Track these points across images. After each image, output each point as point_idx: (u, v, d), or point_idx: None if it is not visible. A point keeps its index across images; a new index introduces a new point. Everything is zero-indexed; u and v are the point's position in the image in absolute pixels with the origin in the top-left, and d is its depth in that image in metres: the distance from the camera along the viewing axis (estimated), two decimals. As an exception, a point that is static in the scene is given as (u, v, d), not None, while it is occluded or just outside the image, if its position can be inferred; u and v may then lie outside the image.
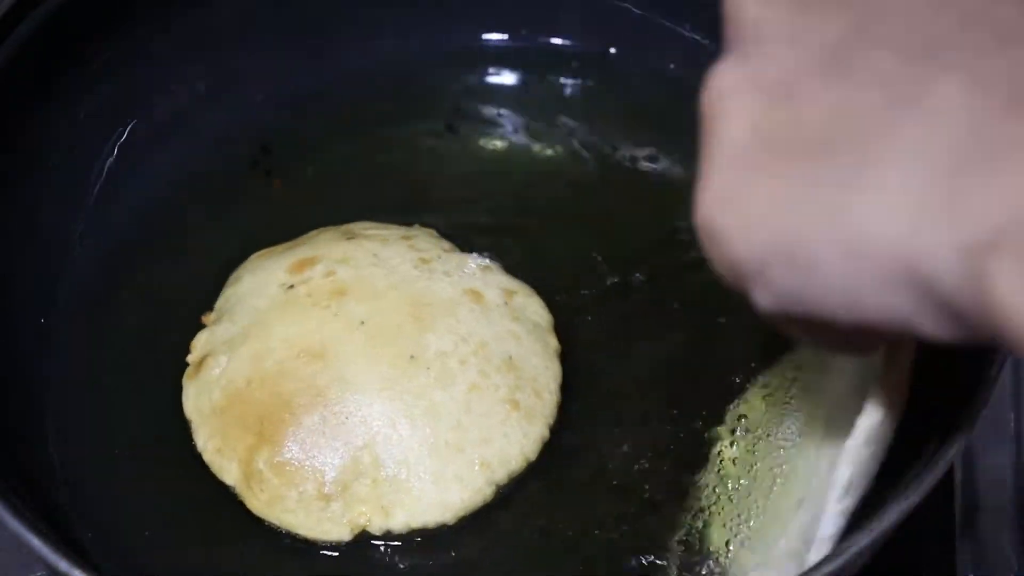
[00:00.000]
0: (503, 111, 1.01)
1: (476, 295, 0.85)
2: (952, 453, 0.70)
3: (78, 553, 0.73)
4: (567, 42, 1.03)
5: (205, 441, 0.82)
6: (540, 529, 0.82)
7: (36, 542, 0.69)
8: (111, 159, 0.96)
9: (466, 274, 0.87)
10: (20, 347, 0.87)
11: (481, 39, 1.04)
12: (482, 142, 1.00)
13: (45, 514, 0.77)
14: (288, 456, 0.80)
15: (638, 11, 1.00)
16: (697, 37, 0.98)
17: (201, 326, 0.87)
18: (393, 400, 0.80)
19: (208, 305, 0.89)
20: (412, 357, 0.81)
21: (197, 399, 0.84)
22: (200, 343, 0.86)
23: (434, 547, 0.80)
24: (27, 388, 0.86)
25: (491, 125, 1.01)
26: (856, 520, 0.75)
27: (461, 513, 0.80)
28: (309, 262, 0.86)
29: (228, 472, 0.81)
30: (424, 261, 0.86)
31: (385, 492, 0.79)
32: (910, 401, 0.82)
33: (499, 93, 1.03)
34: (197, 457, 0.83)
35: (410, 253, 0.87)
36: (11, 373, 0.85)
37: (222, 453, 0.82)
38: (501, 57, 1.03)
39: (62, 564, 0.68)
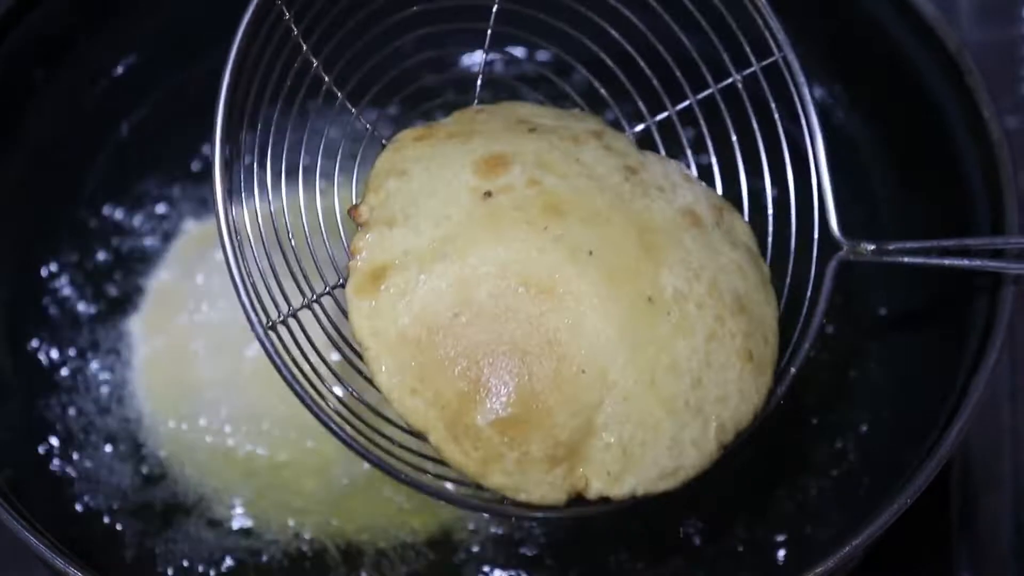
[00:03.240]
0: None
1: (694, 216, 0.74)
2: (941, 459, 0.72)
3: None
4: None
5: (391, 376, 0.68)
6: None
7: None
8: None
9: (676, 186, 0.75)
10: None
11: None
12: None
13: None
14: (515, 413, 0.67)
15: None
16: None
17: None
18: (635, 351, 0.68)
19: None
20: (650, 299, 0.70)
21: (375, 321, 0.69)
22: (369, 247, 0.71)
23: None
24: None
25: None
26: (848, 522, 0.76)
27: (689, 480, 0.70)
28: (500, 162, 0.73)
29: (423, 417, 0.68)
30: (631, 170, 0.74)
31: (615, 456, 0.68)
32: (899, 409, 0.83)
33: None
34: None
35: (611, 158, 0.75)
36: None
37: (418, 395, 0.68)
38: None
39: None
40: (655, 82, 0.81)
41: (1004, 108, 1.02)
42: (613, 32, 0.81)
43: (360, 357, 0.70)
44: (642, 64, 0.81)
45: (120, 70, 0.96)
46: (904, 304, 0.89)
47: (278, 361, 0.68)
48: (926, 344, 0.86)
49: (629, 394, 0.68)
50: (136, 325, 0.94)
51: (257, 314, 0.68)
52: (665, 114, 0.81)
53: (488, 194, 0.71)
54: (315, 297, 0.72)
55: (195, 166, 0.98)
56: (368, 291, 0.70)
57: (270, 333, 0.68)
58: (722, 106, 0.80)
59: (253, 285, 0.68)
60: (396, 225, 0.71)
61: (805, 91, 0.78)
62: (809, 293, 0.76)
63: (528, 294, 0.68)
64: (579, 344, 0.68)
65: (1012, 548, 0.88)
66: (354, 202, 0.73)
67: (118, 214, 0.97)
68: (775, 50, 0.79)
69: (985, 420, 0.92)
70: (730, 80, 0.80)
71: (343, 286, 0.71)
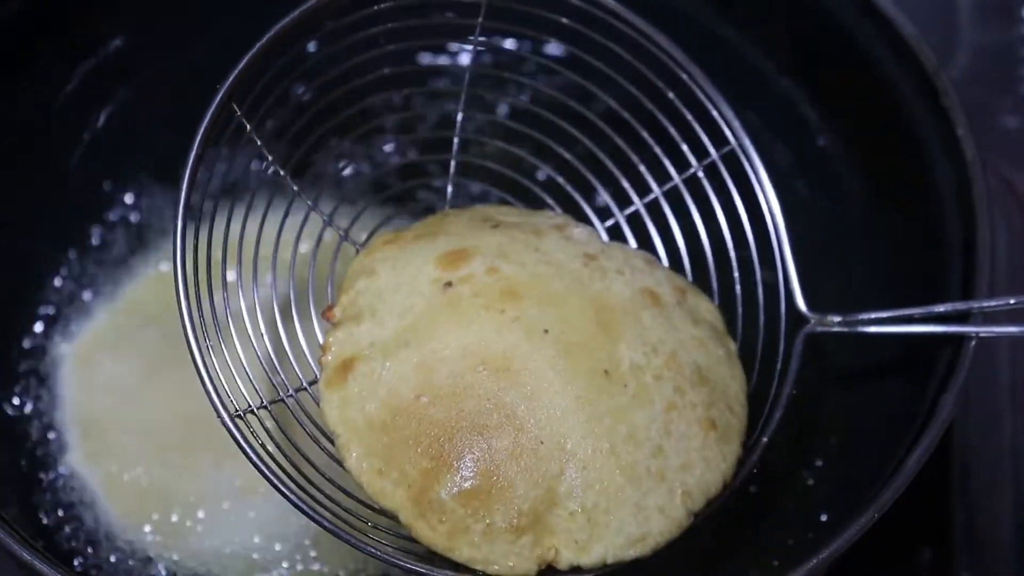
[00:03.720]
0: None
1: (653, 296, 0.77)
2: (907, 476, 0.73)
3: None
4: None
5: (360, 460, 0.71)
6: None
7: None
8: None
9: (636, 270, 0.78)
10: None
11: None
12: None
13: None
14: (476, 484, 0.69)
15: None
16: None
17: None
18: (591, 422, 0.71)
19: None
20: (607, 372, 0.72)
21: (344, 410, 0.72)
22: (338, 343, 0.75)
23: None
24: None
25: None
26: (821, 535, 0.78)
27: (659, 547, 0.71)
28: (462, 256, 0.76)
29: (391, 497, 0.70)
30: (590, 257, 0.78)
31: (581, 525, 0.70)
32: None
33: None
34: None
35: (571, 247, 0.78)
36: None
37: (386, 476, 0.71)
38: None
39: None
40: (623, 180, 0.85)
41: (1004, 108, 1.02)
42: (576, 132, 0.85)
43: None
44: (608, 162, 0.85)
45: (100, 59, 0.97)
46: (864, 356, 0.90)
47: (245, 447, 0.69)
48: (886, 389, 0.88)
49: (588, 463, 0.70)
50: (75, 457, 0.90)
51: (223, 401, 0.70)
52: (633, 208, 0.85)
53: (448, 284, 0.74)
54: (291, 392, 0.74)
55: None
56: (337, 383, 0.73)
57: (237, 421, 0.70)
58: (687, 196, 0.83)
59: (219, 375, 0.70)
60: (363, 320, 0.75)
61: (763, 175, 0.82)
62: (779, 366, 0.79)
63: (486, 372, 0.71)
64: (536, 417, 0.70)
65: (1012, 548, 0.88)
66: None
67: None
68: (731, 138, 0.82)
69: (986, 421, 0.92)
70: (691, 171, 0.84)
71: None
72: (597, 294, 0.75)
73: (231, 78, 0.74)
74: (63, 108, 0.95)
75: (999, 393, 0.94)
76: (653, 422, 0.72)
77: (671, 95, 0.82)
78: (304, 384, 0.76)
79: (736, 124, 0.82)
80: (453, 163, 0.84)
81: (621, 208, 0.85)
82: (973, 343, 0.76)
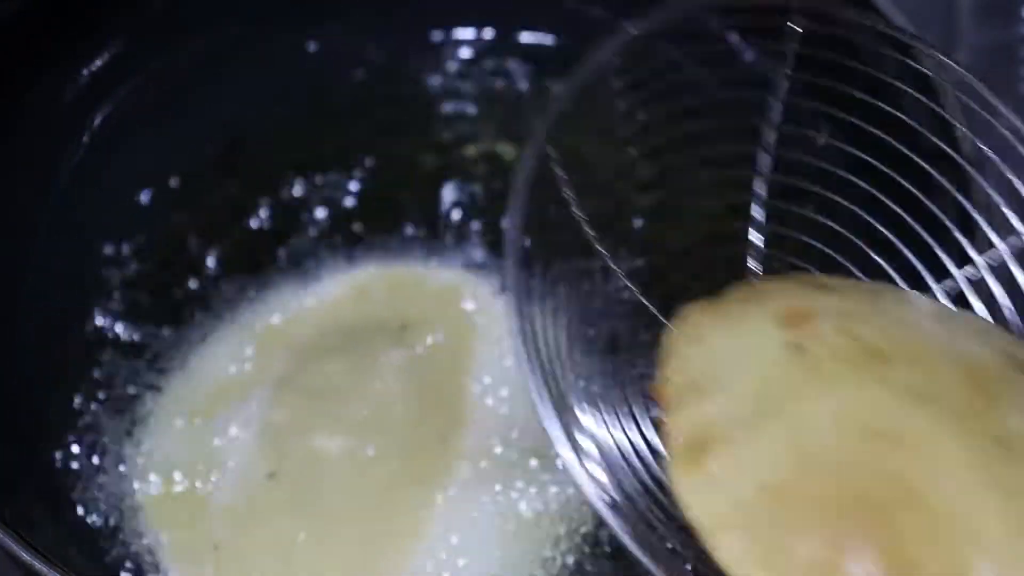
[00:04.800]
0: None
1: (1017, 361, 0.71)
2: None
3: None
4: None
5: (732, 551, 0.64)
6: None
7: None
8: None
9: (987, 332, 0.74)
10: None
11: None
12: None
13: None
14: (886, 568, 0.62)
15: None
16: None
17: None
18: (1005, 501, 0.63)
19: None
20: (1000, 440, 0.66)
21: (706, 495, 0.66)
22: (687, 423, 0.69)
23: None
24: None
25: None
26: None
27: None
28: (803, 315, 0.71)
29: None
30: (937, 319, 0.74)
31: None
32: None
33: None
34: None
35: (914, 310, 0.74)
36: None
37: (772, 568, 0.63)
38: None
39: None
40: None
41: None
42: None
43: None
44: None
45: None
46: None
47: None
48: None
49: (1007, 548, 0.62)
50: None
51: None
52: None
53: (800, 347, 0.69)
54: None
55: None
56: (693, 466, 0.67)
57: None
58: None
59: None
60: (706, 392, 0.69)
61: None
62: None
63: (870, 443, 0.65)
64: (939, 492, 0.64)
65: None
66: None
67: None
68: None
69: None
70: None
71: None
72: (961, 355, 0.69)
73: (552, 114, 0.68)
74: (62, 108, 0.94)
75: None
76: None
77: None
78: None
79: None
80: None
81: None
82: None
